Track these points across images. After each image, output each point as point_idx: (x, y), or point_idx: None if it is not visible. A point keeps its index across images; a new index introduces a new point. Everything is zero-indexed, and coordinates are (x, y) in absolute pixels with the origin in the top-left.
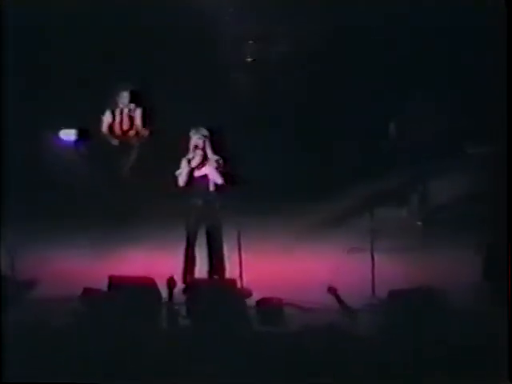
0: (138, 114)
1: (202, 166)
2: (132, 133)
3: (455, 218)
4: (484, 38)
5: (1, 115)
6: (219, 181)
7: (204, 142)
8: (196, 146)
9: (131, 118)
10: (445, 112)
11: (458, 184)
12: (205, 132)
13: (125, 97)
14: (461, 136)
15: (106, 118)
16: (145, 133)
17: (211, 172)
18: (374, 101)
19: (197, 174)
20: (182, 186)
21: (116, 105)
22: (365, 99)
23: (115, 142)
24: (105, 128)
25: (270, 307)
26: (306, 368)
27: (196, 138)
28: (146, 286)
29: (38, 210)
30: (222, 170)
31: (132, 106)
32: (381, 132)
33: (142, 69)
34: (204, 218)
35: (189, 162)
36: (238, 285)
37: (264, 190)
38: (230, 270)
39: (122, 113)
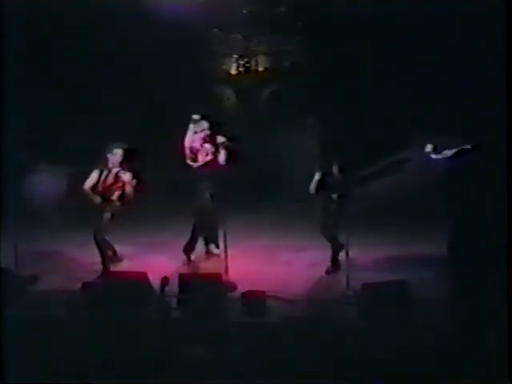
0: (127, 177)
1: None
2: (116, 193)
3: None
4: (484, 38)
5: None
6: (222, 160)
7: (209, 134)
8: (204, 140)
9: (117, 178)
10: (444, 111)
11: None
12: (205, 125)
13: (117, 156)
14: (460, 134)
15: (92, 177)
16: (130, 195)
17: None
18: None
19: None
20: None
21: (106, 164)
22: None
23: (98, 199)
24: (87, 186)
25: (253, 299)
26: (286, 355)
27: (202, 134)
28: (139, 280)
29: (37, 210)
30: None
31: (121, 170)
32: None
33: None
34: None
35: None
36: (225, 279)
37: (249, 192)
38: (217, 266)
39: (109, 173)
